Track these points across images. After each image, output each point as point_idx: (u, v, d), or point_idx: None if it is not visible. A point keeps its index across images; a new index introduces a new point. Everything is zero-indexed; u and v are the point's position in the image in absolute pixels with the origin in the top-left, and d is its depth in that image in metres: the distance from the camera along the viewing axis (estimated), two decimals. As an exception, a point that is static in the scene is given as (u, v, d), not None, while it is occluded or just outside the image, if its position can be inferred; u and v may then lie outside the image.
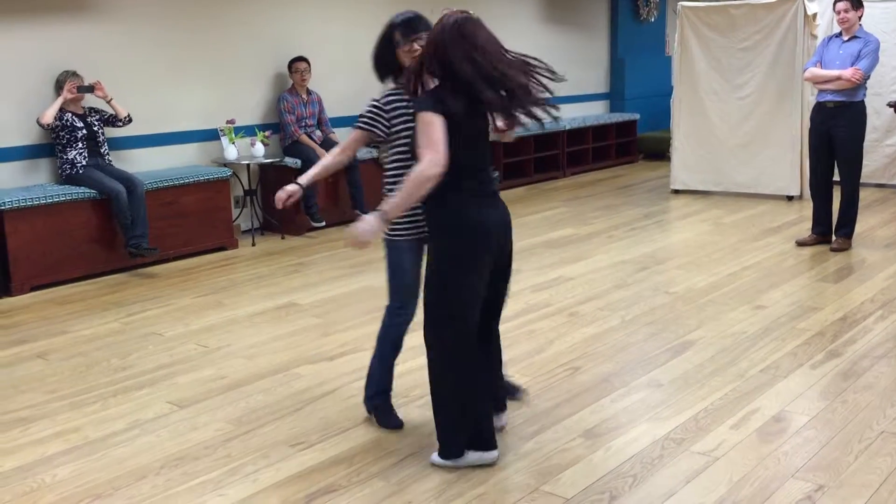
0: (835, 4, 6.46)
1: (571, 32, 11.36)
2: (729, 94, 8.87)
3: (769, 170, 8.76)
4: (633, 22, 12.28)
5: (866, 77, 6.31)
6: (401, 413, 3.73)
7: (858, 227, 6.83)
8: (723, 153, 8.99)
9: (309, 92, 7.85)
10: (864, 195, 8.55)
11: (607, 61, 12.12)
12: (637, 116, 11.83)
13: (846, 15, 6.33)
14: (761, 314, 5.09)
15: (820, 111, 6.53)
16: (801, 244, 6.74)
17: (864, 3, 6.52)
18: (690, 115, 9.11)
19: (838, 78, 6.30)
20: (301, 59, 7.74)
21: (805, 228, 7.05)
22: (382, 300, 3.64)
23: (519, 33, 10.56)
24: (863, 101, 6.43)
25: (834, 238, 6.66)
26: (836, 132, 6.44)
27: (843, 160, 6.53)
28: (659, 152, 11.78)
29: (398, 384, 3.85)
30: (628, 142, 11.77)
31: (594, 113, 11.82)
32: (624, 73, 12.05)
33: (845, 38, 6.43)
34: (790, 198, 8.68)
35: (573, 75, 11.41)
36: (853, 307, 5.18)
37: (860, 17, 6.42)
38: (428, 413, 3.77)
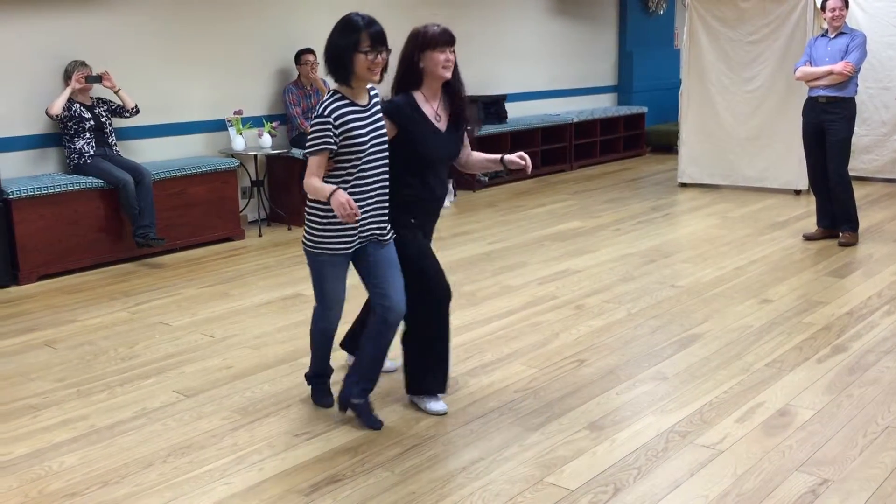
0: (823, 4, 6.50)
1: (580, 25, 11.34)
2: (737, 87, 8.85)
3: (777, 164, 8.74)
4: (641, 14, 12.24)
5: (857, 70, 6.34)
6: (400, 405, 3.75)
7: (866, 222, 6.80)
8: (731, 147, 8.98)
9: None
10: (873, 190, 8.54)
11: (615, 54, 12.09)
12: (645, 109, 11.80)
13: (841, 13, 6.42)
14: (767, 308, 5.09)
15: (812, 106, 6.58)
16: (808, 238, 6.73)
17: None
18: (698, 109, 9.08)
19: (830, 73, 6.35)
20: (309, 50, 7.73)
21: (812, 223, 7.03)
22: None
23: (528, 26, 10.55)
24: (853, 98, 6.47)
25: (840, 233, 6.65)
26: (828, 126, 6.49)
27: (831, 153, 6.54)
28: (667, 145, 11.76)
29: (400, 376, 3.87)
30: (636, 135, 11.75)
31: (602, 105, 11.80)
32: (632, 65, 12.02)
33: (831, 35, 6.47)
34: (798, 192, 8.66)
35: (581, 68, 11.40)
36: (859, 302, 5.17)
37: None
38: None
